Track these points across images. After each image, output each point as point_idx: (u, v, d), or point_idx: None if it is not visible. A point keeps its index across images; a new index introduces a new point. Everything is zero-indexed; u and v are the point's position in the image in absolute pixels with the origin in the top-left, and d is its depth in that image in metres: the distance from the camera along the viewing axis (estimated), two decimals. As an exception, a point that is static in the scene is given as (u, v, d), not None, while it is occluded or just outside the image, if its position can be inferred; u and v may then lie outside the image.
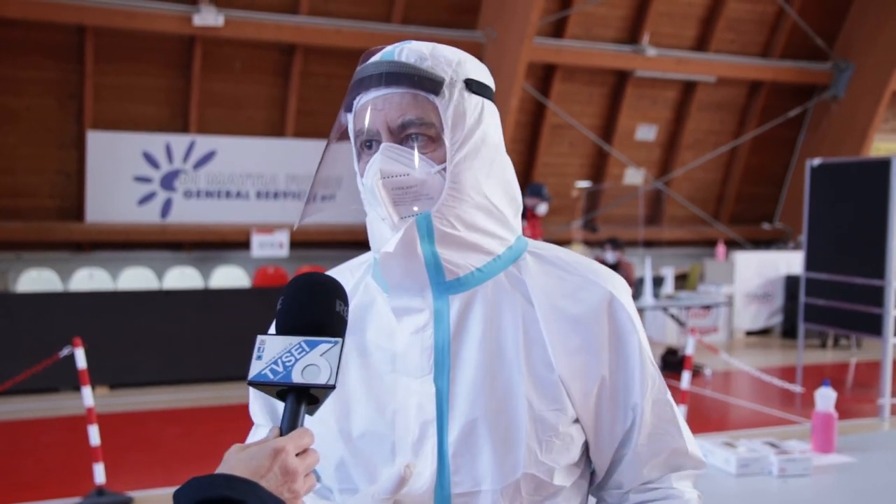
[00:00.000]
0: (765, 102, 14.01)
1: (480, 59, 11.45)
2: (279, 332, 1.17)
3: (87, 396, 5.50)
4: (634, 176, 13.68)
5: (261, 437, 1.35)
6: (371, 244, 1.38)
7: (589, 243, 12.79)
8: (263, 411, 1.42)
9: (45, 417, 7.60)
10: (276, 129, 11.53)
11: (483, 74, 1.37)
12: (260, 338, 1.16)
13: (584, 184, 13.38)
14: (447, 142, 1.29)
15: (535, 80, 12.33)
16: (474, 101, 1.32)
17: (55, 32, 10.17)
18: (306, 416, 1.15)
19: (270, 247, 10.74)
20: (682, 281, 13.26)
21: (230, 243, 11.51)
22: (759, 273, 12.36)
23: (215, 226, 11.30)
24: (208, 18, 10.22)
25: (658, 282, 9.83)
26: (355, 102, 1.32)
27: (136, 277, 10.56)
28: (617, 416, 1.35)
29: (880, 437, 4.19)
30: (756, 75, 13.56)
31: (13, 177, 10.53)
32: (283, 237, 10.76)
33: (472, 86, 1.33)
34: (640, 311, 10.43)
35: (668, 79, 13.18)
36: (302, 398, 1.13)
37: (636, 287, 9.68)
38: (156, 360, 8.54)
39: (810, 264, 8.77)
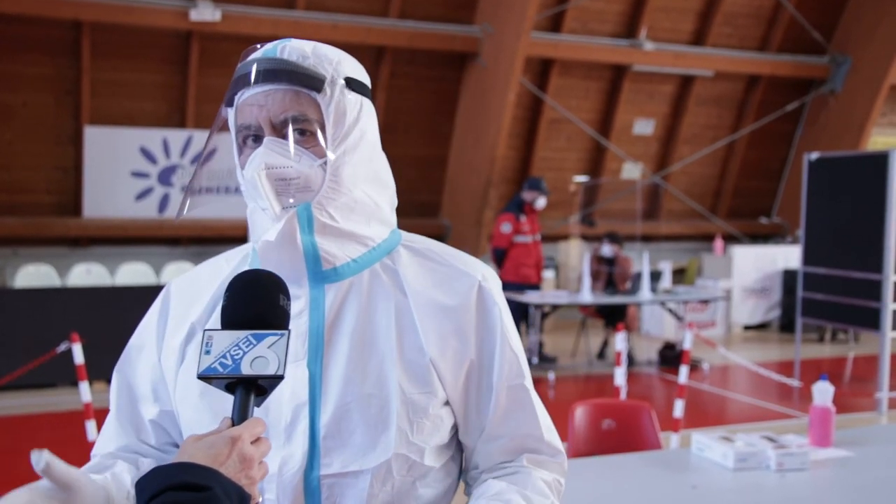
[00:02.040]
0: (762, 97, 14.02)
1: (478, 53, 11.44)
2: (225, 326, 1.21)
3: (85, 392, 5.49)
4: (632, 170, 13.68)
5: (109, 427, 1.48)
6: (251, 235, 1.43)
7: (586, 238, 12.79)
8: (119, 402, 1.50)
9: (42, 413, 7.60)
10: (273, 124, 11.51)
11: (361, 74, 1.42)
12: (207, 332, 1.19)
13: (581, 178, 13.38)
14: (328, 137, 1.34)
15: (532, 74, 12.32)
16: (354, 98, 1.38)
17: (51, 28, 10.16)
18: (182, 400, 1.19)
19: (268, 242, 10.73)
20: (679, 275, 13.27)
21: (228, 238, 11.47)
22: (757, 267, 12.37)
23: (213, 221, 11.28)
24: (205, 13, 10.21)
25: (656, 276, 9.82)
26: (237, 98, 1.36)
27: (134, 273, 10.55)
28: (482, 398, 1.41)
29: (878, 431, 4.19)
30: (753, 69, 13.57)
31: (9, 173, 10.52)
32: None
33: (352, 84, 1.38)
34: (638, 305, 10.45)
35: (666, 73, 13.18)
36: (251, 389, 1.17)
37: (634, 282, 9.68)
38: (153, 356, 8.51)
39: (808, 258, 8.77)
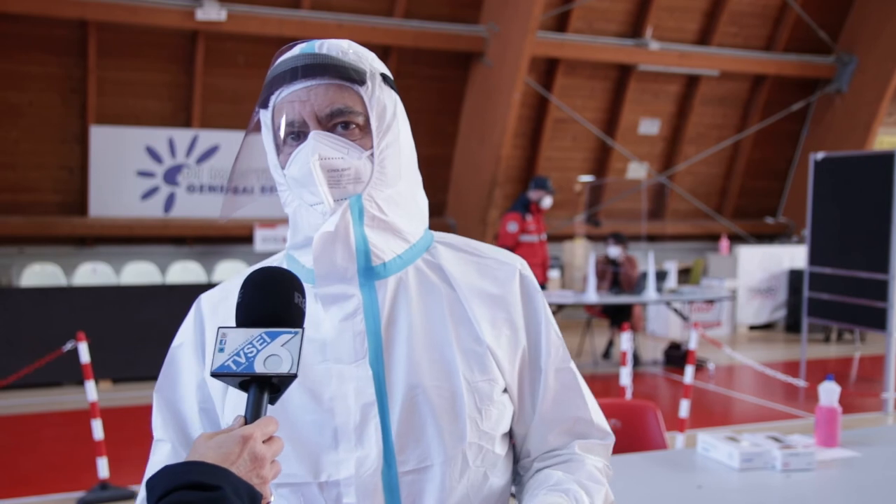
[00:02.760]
0: (768, 96, 13.99)
1: (483, 53, 11.44)
2: (240, 324, 1.20)
3: (91, 391, 5.50)
4: (637, 170, 13.67)
5: (163, 452, 1.40)
6: (293, 235, 1.43)
7: (592, 238, 12.77)
8: (167, 425, 1.42)
9: (48, 412, 7.61)
10: (278, 123, 11.52)
11: (389, 72, 1.43)
12: (221, 330, 1.19)
13: (587, 178, 13.37)
14: (373, 129, 1.35)
15: (537, 74, 12.32)
16: (391, 94, 1.39)
17: (58, 27, 10.18)
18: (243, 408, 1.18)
19: (273, 241, 10.73)
20: (685, 275, 13.25)
21: (233, 238, 11.51)
22: (763, 267, 12.35)
23: (218, 220, 11.29)
24: (211, 13, 10.22)
25: (661, 276, 9.80)
26: (273, 97, 1.35)
27: (139, 272, 10.56)
28: (534, 384, 1.44)
29: (884, 432, 4.17)
30: (759, 69, 13.54)
31: (16, 172, 10.54)
32: (286, 232, 10.77)
33: (387, 80, 1.40)
34: (644, 305, 10.43)
35: (671, 73, 13.16)
36: (264, 388, 1.17)
37: (639, 282, 9.66)
38: (159, 355, 8.37)
39: (814, 258, 8.75)
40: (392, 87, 1.40)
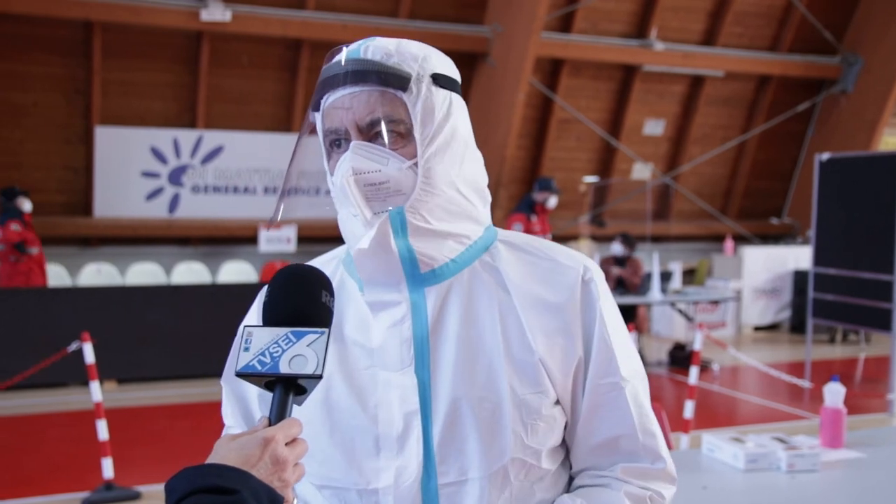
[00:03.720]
0: (773, 97, 13.97)
1: (487, 53, 11.40)
2: (266, 323, 1.19)
3: (96, 391, 5.51)
4: (642, 171, 13.65)
5: None
6: (346, 241, 1.39)
7: (596, 238, 12.76)
8: (236, 413, 1.43)
9: (53, 412, 7.62)
10: (283, 123, 11.54)
11: (449, 68, 1.37)
12: (247, 329, 1.17)
13: (591, 179, 13.36)
14: (417, 137, 1.29)
15: (542, 74, 12.31)
16: (442, 95, 1.33)
17: (62, 28, 10.20)
18: (294, 408, 1.17)
19: (278, 242, 10.75)
20: (690, 276, 13.23)
21: (237, 238, 11.52)
22: (768, 268, 12.33)
23: (223, 221, 11.31)
24: (215, 14, 10.23)
25: (666, 277, 9.79)
26: (323, 101, 1.32)
27: (144, 272, 10.59)
28: (580, 396, 1.36)
29: (889, 433, 4.17)
30: (764, 69, 13.52)
31: (20, 172, 10.55)
32: (291, 232, 10.77)
33: (440, 80, 1.33)
34: (648, 306, 10.42)
35: (676, 73, 13.15)
36: (290, 388, 1.15)
37: (644, 282, 9.66)
38: (164, 355, 8.56)
39: (819, 259, 8.74)
40: (448, 87, 1.34)
